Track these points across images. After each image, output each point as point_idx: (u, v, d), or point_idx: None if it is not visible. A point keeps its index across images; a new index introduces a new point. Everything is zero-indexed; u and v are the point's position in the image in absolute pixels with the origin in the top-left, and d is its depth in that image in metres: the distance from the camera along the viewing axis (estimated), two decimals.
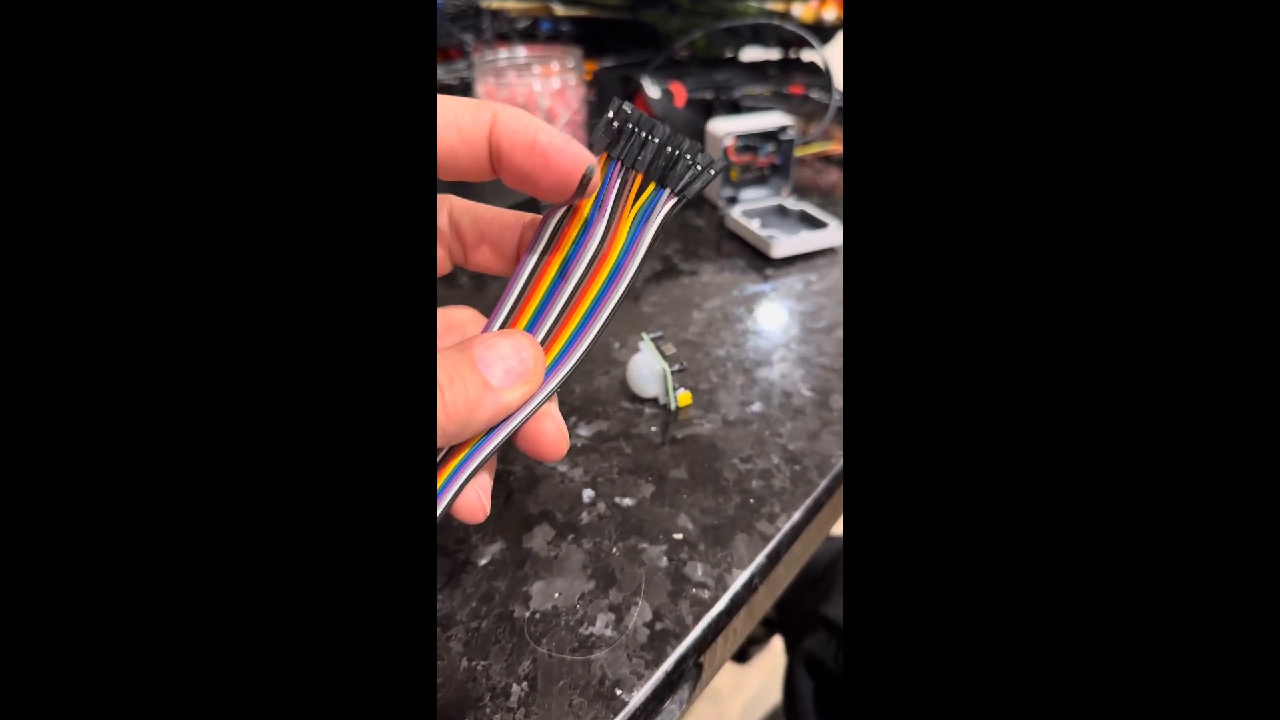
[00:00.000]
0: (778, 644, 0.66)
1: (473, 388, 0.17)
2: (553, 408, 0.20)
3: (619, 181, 0.19)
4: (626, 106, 0.19)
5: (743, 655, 0.72)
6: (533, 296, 0.20)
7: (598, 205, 0.19)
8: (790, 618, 0.61)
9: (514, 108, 0.18)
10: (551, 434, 0.20)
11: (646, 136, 0.19)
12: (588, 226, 0.19)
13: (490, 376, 0.18)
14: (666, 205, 0.19)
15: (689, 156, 0.19)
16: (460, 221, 0.21)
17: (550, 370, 0.20)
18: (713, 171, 0.19)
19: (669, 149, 0.19)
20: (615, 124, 0.19)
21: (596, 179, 0.19)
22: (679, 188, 0.19)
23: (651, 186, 0.19)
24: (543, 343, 0.20)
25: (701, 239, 0.51)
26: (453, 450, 0.19)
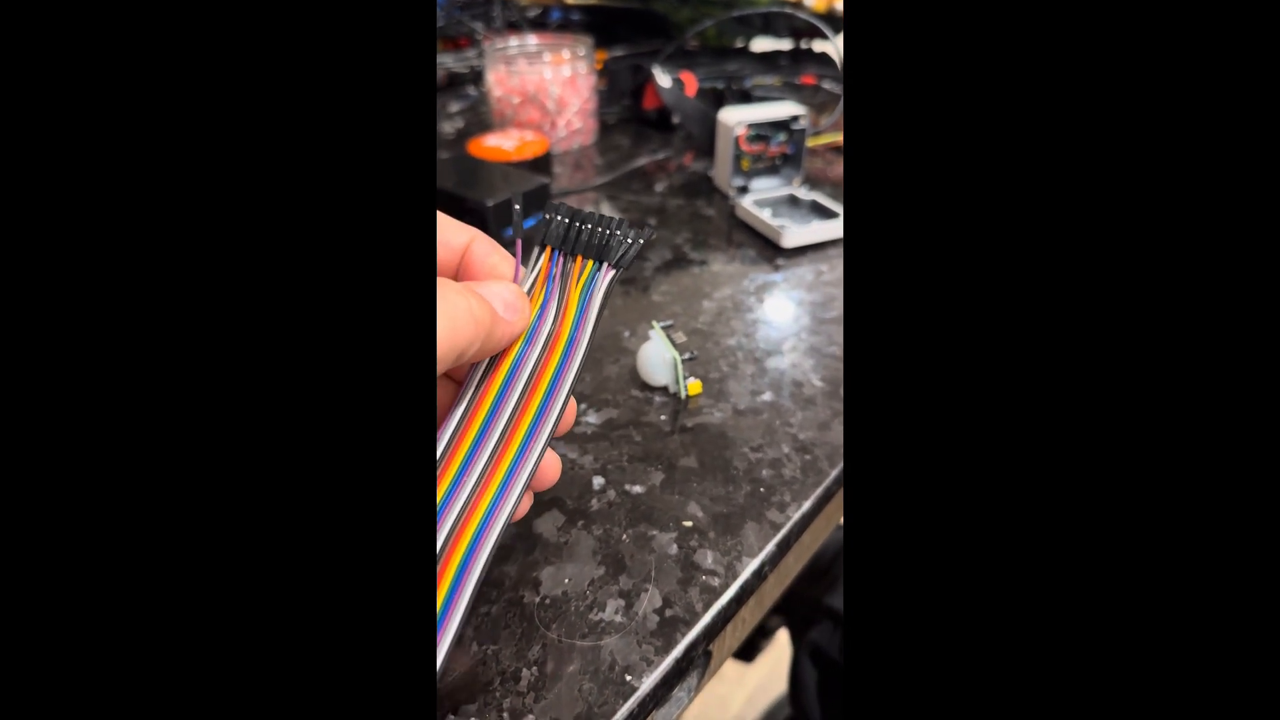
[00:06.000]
0: (783, 636, 0.66)
1: (488, 311, 0.20)
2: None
3: (563, 266, 0.22)
4: (560, 205, 0.22)
5: (748, 653, 0.72)
6: (498, 372, 0.21)
7: (548, 291, 0.22)
8: (796, 609, 0.61)
9: (489, 237, 0.22)
10: (549, 461, 0.22)
11: (581, 225, 0.22)
12: (541, 309, 0.22)
13: (497, 306, 0.20)
14: (607, 278, 0.22)
15: (619, 233, 0.22)
16: (480, 256, 0.22)
17: (524, 446, 0.21)
18: (641, 241, 0.22)
19: (602, 230, 0.22)
20: (550, 219, 0.22)
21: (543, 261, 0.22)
22: (615, 260, 0.22)
23: (590, 265, 0.22)
24: (513, 415, 0.21)
25: (712, 228, 0.51)
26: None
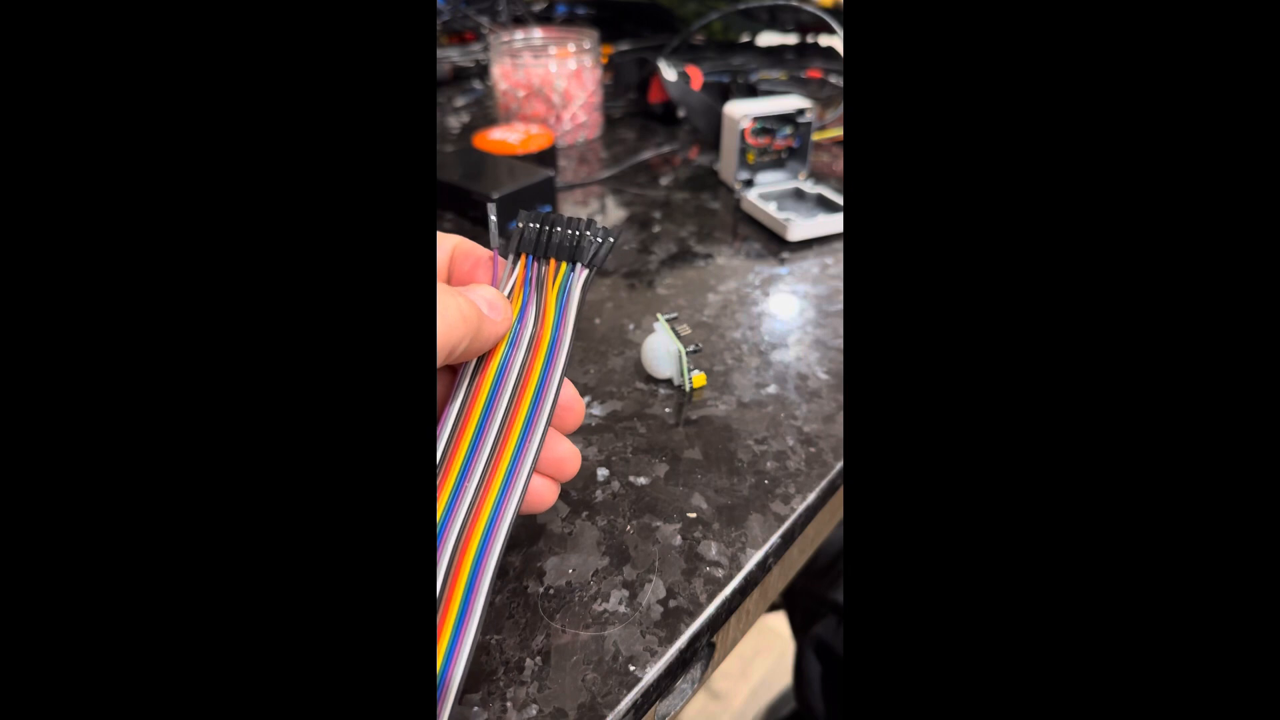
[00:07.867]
0: (787, 630, 0.66)
1: (475, 310, 0.20)
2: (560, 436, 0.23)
3: (538, 271, 0.23)
4: (531, 212, 0.23)
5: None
6: (485, 378, 0.22)
7: (526, 296, 0.23)
8: (801, 604, 0.61)
9: (471, 242, 0.23)
10: (567, 453, 0.23)
11: (551, 229, 0.23)
12: (521, 313, 0.23)
13: (481, 307, 0.21)
14: (581, 278, 0.23)
15: (589, 233, 0.23)
16: (460, 260, 0.23)
17: (519, 448, 0.21)
18: (612, 240, 0.23)
19: (572, 232, 0.23)
20: (522, 228, 0.23)
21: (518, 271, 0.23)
22: (588, 260, 0.23)
23: (564, 266, 0.23)
24: (504, 420, 0.21)
25: (717, 222, 0.50)
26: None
